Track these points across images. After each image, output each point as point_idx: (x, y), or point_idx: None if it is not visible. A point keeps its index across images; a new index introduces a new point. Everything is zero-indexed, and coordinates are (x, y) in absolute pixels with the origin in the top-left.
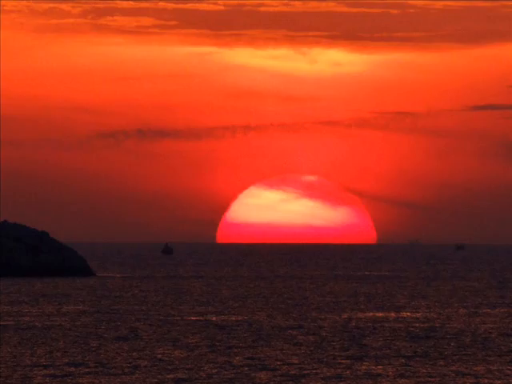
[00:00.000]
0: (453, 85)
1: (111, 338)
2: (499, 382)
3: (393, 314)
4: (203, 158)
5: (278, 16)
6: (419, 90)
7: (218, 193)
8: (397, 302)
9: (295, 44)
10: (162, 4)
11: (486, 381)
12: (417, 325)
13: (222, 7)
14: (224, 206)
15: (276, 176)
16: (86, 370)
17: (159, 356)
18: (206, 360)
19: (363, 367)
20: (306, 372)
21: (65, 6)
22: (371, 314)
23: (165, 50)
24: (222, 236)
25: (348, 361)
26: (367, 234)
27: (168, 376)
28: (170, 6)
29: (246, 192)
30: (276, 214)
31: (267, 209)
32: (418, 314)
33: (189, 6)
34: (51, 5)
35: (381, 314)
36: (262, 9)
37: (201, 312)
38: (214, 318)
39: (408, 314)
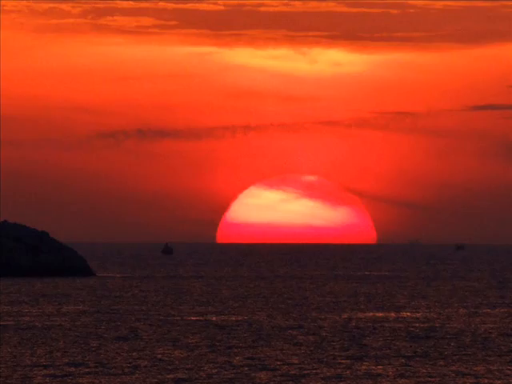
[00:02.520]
0: (453, 85)
1: (111, 337)
2: (499, 381)
3: (393, 314)
4: (203, 158)
5: (278, 16)
6: (419, 89)
7: (218, 193)
8: (397, 301)
9: (295, 44)
10: (162, 4)
11: (485, 381)
12: (417, 325)
13: (222, 7)
14: (224, 206)
15: (276, 176)
16: (86, 369)
17: (159, 356)
18: (206, 360)
19: (363, 367)
20: (306, 372)
21: (65, 6)
22: (371, 313)
23: (165, 50)
24: (222, 236)
25: (348, 361)
26: (367, 234)
27: (168, 376)
28: (170, 5)
29: (246, 192)
30: (276, 213)
31: (267, 209)
32: (418, 314)
33: (189, 5)
34: (51, 5)
35: (381, 314)
36: (262, 9)
37: (201, 312)
38: (214, 318)
39: (408, 314)
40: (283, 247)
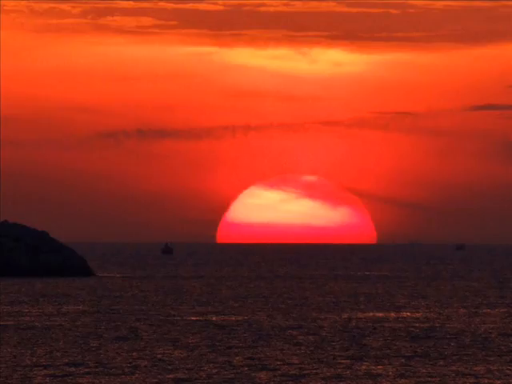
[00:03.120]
0: (453, 85)
1: (111, 338)
2: (499, 381)
3: (393, 314)
4: (203, 158)
5: (278, 16)
6: (419, 89)
7: (218, 193)
8: (397, 301)
9: (295, 44)
10: (162, 4)
11: (485, 381)
12: (417, 325)
13: (221, 7)
14: (224, 206)
15: (276, 176)
16: (86, 369)
17: (159, 356)
18: (206, 360)
19: (363, 367)
20: (306, 372)
21: (65, 6)
22: (371, 314)
23: (165, 50)
24: (222, 236)
25: (348, 361)
26: (367, 234)
27: (168, 376)
28: (170, 6)
29: (246, 192)
30: (276, 214)
31: (267, 209)
32: (418, 314)
33: (189, 5)
34: (51, 5)
35: (381, 314)
36: (262, 9)
37: (201, 312)
38: (214, 318)
39: (408, 314)
40: (283, 247)
